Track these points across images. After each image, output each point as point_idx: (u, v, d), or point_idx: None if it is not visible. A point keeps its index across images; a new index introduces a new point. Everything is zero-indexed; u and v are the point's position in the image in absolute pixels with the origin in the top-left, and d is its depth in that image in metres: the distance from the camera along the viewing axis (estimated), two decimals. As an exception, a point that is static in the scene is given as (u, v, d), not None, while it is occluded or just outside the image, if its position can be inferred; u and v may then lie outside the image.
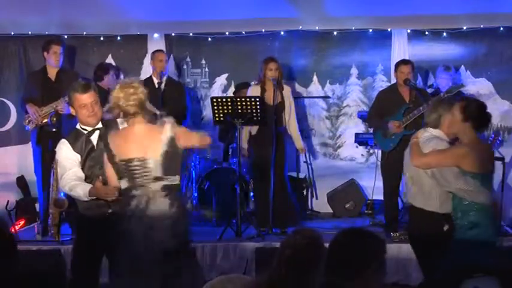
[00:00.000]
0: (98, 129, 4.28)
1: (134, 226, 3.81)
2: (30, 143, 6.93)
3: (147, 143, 3.86)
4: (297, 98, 7.51)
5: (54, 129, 6.43)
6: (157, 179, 3.85)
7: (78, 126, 4.32)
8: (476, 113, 4.26)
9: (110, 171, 3.94)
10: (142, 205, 3.83)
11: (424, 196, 4.43)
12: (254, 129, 6.75)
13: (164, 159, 3.84)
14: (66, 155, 4.23)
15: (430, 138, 4.40)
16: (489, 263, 4.41)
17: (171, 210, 3.84)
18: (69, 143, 4.26)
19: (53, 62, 6.71)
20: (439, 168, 4.27)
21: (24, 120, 6.60)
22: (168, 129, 3.86)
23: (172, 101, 6.77)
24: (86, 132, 4.27)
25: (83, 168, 4.22)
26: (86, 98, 4.21)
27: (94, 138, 4.27)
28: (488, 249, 4.37)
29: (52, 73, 6.77)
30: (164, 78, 6.95)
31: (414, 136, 4.52)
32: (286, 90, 6.77)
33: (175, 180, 3.90)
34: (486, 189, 4.25)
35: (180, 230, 3.88)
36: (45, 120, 6.47)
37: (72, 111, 4.35)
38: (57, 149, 4.30)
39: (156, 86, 6.85)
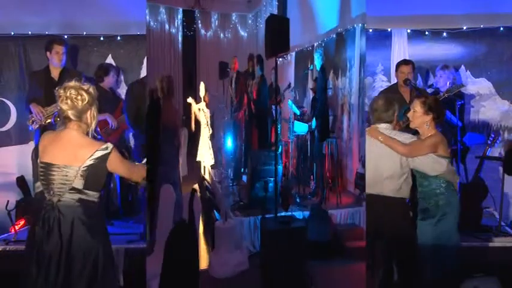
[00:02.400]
0: None
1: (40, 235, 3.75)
2: (30, 143, 6.89)
3: (72, 152, 3.73)
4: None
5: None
6: (74, 190, 3.73)
7: None
8: (435, 105, 4.72)
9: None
10: (52, 214, 3.74)
11: (393, 183, 4.58)
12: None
13: (86, 172, 3.72)
14: None
15: (394, 132, 4.69)
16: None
17: (80, 224, 3.72)
18: None
19: (56, 61, 6.76)
20: (424, 154, 4.59)
21: (28, 120, 6.59)
22: (103, 148, 3.73)
23: None
24: None
25: None
26: None
27: None
28: None
29: (55, 73, 6.80)
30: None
31: (375, 131, 4.67)
32: None
33: (93, 196, 3.77)
34: None
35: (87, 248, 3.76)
36: (49, 120, 6.48)
37: None
38: None
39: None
